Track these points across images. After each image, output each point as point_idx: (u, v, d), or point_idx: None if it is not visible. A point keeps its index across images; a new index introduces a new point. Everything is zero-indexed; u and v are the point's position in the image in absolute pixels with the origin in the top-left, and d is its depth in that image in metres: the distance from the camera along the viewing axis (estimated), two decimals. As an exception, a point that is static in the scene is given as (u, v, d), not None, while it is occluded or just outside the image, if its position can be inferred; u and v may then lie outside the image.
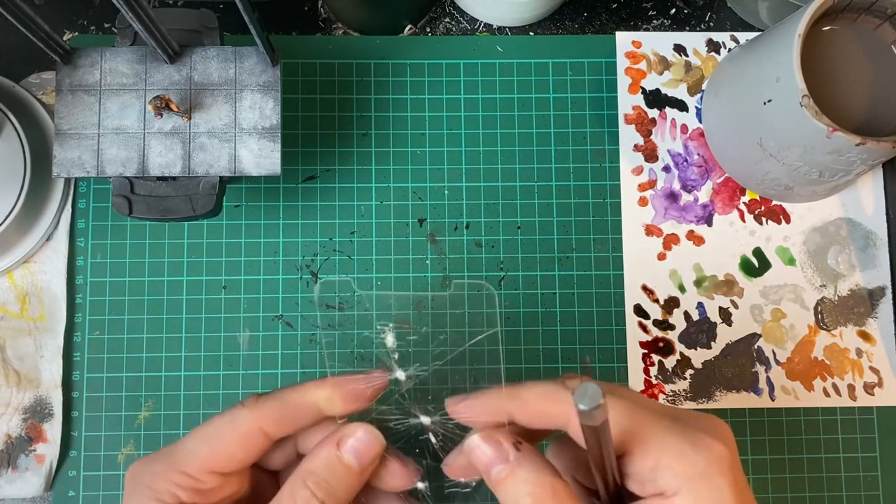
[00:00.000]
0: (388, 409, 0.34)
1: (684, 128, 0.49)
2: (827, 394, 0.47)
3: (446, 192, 0.48)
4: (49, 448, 0.44)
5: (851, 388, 0.47)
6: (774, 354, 0.47)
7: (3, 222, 0.43)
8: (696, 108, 0.49)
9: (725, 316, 0.47)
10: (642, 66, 0.49)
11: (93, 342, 0.46)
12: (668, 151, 0.48)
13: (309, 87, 0.49)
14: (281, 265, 0.47)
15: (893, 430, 0.47)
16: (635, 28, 0.50)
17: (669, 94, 0.49)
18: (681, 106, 0.49)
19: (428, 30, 0.50)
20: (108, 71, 0.41)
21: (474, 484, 0.33)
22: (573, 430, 0.31)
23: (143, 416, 0.45)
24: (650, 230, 0.48)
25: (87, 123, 0.40)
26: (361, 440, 0.32)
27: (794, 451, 0.46)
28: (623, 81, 0.49)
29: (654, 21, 0.51)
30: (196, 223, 0.47)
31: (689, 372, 0.47)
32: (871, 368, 0.47)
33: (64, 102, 0.40)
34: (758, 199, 0.48)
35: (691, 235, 0.48)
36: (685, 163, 0.48)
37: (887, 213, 0.48)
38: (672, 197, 0.48)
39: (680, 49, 0.49)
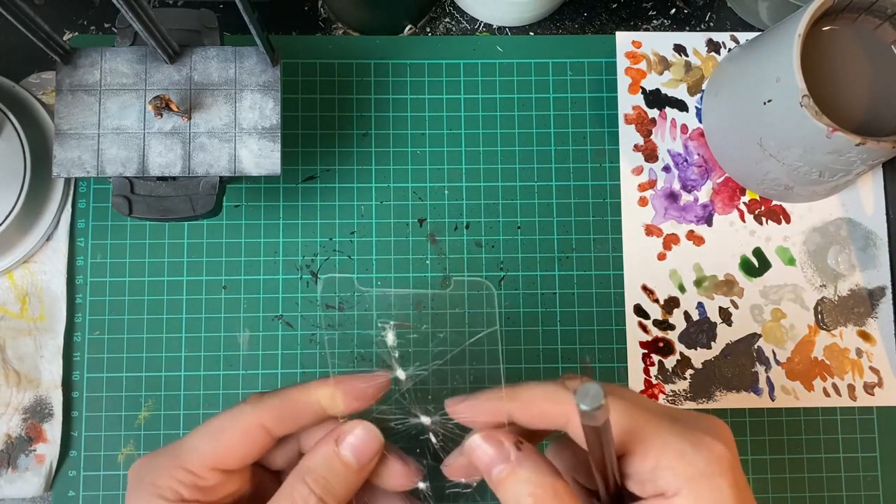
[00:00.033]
0: (389, 409, 0.34)
1: (684, 128, 0.49)
2: (827, 394, 0.47)
3: (446, 192, 0.48)
4: (49, 448, 0.44)
5: (851, 388, 0.47)
6: (774, 354, 0.47)
7: (3, 222, 0.43)
8: (696, 108, 0.49)
9: (725, 316, 0.47)
10: (642, 66, 0.49)
11: (93, 342, 0.46)
12: (668, 151, 0.48)
13: (309, 87, 0.49)
14: (281, 265, 0.47)
15: (893, 430, 0.47)
16: (635, 28, 0.50)
17: (669, 94, 0.49)
18: (681, 106, 0.49)
19: (428, 30, 0.50)
20: (108, 71, 0.41)
21: (475, 484, 0.33)
22: (573, 431, 0.31)
23: (143, 416, 0.45)
24: (650, 230, 0.48)
25: (87, 123, 0.40)
26: (360, 437, 0.32)
27: (794, 451, 0.46)
28: (623, 81, 0.49)
29: (654, 21, 0.51)
30: (196, 223, 0.47)
31: (689, 372, 0.47)
32: (871, 368, 0.47)
33: (64, 102, 0.40)
34: (758, 199, 0.48)
35: (691, 235, 0.48)
36: (685, 163, 0.48)
37: (887, 213, 0.48)
38: (672, 197, 0.48)
39: (680, 49, 0.49)
